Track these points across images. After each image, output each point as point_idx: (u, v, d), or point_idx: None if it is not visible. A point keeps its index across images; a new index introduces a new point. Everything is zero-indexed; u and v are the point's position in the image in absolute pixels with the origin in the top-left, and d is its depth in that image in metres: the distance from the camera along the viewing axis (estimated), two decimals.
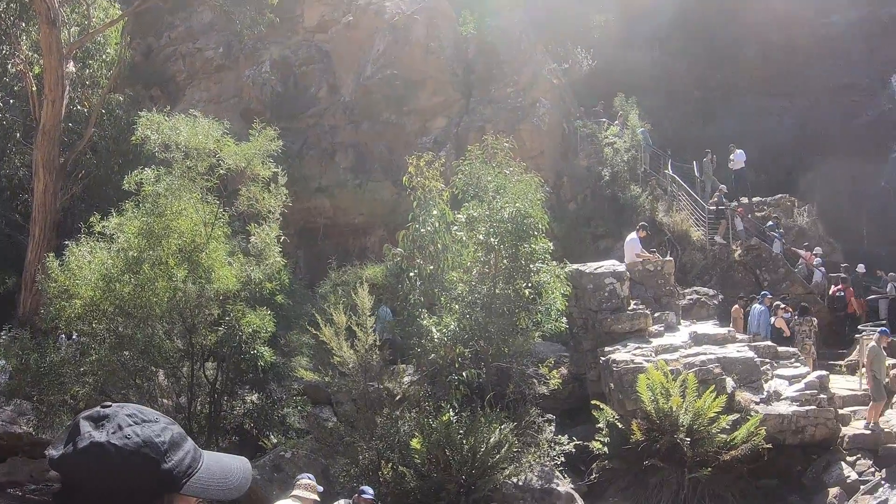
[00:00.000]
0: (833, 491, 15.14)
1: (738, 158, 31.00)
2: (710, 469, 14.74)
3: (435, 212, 15.58)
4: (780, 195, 31.11)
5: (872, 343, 17.55)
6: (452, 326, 15.37)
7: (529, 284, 16.25)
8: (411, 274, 15.55)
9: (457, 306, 15.74)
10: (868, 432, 16.94)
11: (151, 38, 37.06)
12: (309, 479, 9.98)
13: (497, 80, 30.39)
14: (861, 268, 26.41)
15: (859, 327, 22.82)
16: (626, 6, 37.04)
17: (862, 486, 15.11)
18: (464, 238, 16.02)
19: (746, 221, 28.07)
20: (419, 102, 30.28)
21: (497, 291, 15.92)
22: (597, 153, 30.46)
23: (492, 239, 16.03)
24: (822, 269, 26.76)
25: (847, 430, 17.09)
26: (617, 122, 31.89)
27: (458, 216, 16.10)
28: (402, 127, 30.02)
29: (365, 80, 30.69)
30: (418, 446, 13.73)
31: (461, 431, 13.82)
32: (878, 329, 18.65)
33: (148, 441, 2.04)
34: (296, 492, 9.86)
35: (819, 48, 36.31)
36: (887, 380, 19.73)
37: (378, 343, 14.43)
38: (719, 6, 37.13)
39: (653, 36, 37.18)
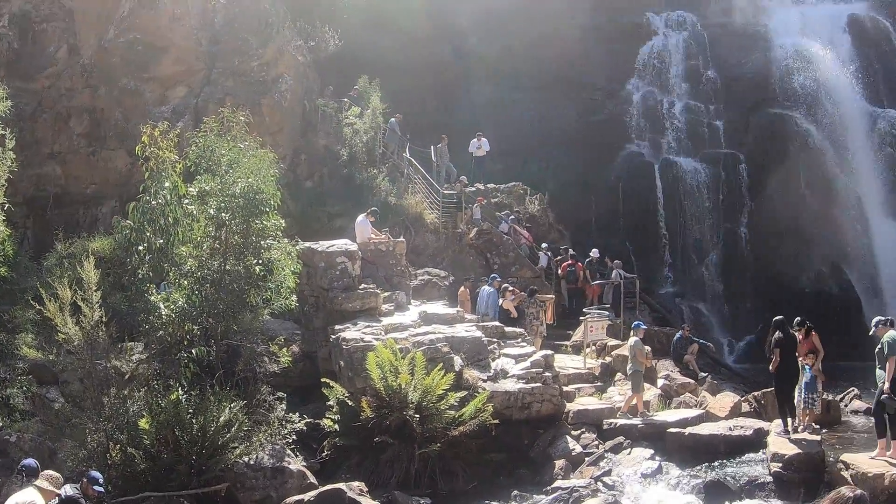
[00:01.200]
0: (559, 463, 16.47)
1: (483, 146, 32.79)
2: (439, 445, 15.63)
3: (167, 184, 15.47)
4: (513, 183, 33.17)
5: (635, 338, 18.94)
6: (181, 303, 15.37)
7: (260, 261, 16.49)
8: (140, 248, 15.41)
9: (186, 282, 15.80)
10: (592, 408, 18.63)
11: None
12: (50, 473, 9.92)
13: (242, 53, 30.02)
14: (595, 252, 28.58)
15: (584, 310, 24.83)
16: None
17: (587, 458, 16.57)
18: (195, 212, 16.08)
19: (483, 209, 29.76)
20: (161, 70, 29.43)
21: (227, 268, 16.04)
22: (336, 133, 30.98)
23: (223, 214, 16.09)
24: (549, 253, 28.90)
25: (572, 406, 18.65)
26: (351, 92, 32.70)
27: (191, 189, 16.12)
28: (141, 94, 29.06)
29: (107, 43, 29.39)
30: (147, 427, 13.64)
31: (191, 411, 13.87)
32: (634, 323, 20.23)
33: None
34: (38, 482, 9.73)
35: (561, 47, 38.94)
36: (609, 359, 21.79)
37: (104, 319, 14.24)
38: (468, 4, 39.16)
39: (400, 20, 38.36)
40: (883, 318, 14.89)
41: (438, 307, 21.43)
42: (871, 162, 36.89)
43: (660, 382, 20.66)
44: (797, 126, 36.68)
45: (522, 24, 39.35)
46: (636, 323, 20.14)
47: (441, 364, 16.79)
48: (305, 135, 31.53)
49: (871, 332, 14.85)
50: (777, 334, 16.55)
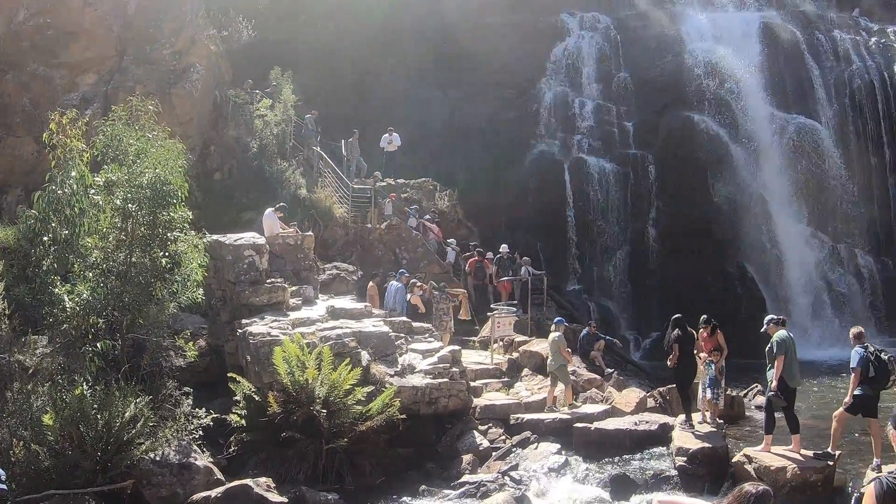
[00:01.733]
0: (467, 458, 16.81)
1: (394, 141, 33.10)
2: (347, 440, 15.82)
3: (74, 173, 15.40)
4: (423, 178, 33.57)
5: (557, 333, 19.29)
6: (86, 295, 15.34)
7: (167, 253, 16.52)
8: (45, 238, 15.30)
9: (91, 274, 15.75)
10: (499, 404, 19.07)
11: None
12: None
13: (154, 41, 29.69)
14: (504, 248, 29.07)
15: (492, 306, 25.31)
16: None
17: (494, 453, 16.96)
18: (101, 203, 16.02)
19: (393, 204, 30.08)
20: (71, 56, 28.80)
21: (134, 260, 16.02)
22: (247, 124, 30.98)
23: (130, 205, 16.05)
24: (456, 248, 29.35)
25: (479, 401, 19.03)
26: (268, 89, 32.72)
27: (97, 179, 16.06)
28: (51, 80, 28.45)
29: (16, 26, 28.76)
30: (51, 423, 13.50)
31: (96, 406, 13.80)
32: (556, 319, 20.58)
33: None
34: None
35: (475, 44, 39.39)
36: (517, 355, 22.28)
37: (7, 312, 14.12)
38: None
39: (317, 13, 38.43)
40: (774, 317, 15.66)
41: (346, 302, 21.67)
42: (777, 166, 38.25)
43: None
44: (706, 129, 37.73)
45: (437, 19, 39.91)
46: (558, 319, 20.57)
47: (348, 359, 16.94)
48: (216, 126, 31.37)
49: (762, 330, 15.63)
50: (676, 332, 17.25)
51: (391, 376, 17.94)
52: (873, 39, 43.39)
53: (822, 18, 44.45)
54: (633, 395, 19.78)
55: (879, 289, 37.02)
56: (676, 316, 17.64)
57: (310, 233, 24.12)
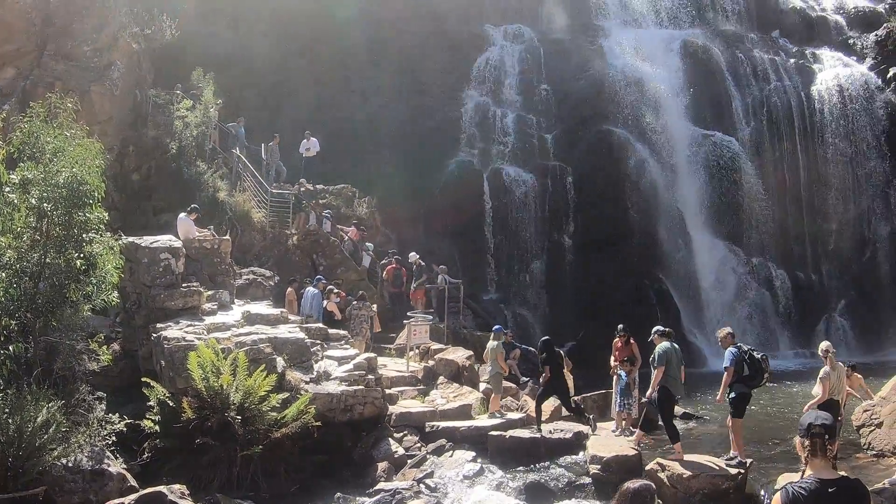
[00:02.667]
0: (382, 465, 16.94)
1: (312, 146, 33.11)
2: (261, 446, 15.83)
3: None
4: (342, 185, 33.65)
5: (495, 342, 19.87)
6: None
7: (82, 255, 16.38)
8: None
9: (4, 274, 15.53)
10: (414, 411, 19.27)
11: None
12: None
13: (76, 36, 29.22)
14: (413, 256, 29.23)
15: (409, 314, 25.55)
16: None
17: (409, 461, 17.10)
18: (16, 201, 15.82)
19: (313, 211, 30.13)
20: None
21: (48, 261, 15.83)
22: (167, 125, 30.67)
23: (45, 204, 15.87)
24: (371, 254, 29.50)
25: (395, 409, 19.21)
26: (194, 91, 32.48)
27: (13, 177, 15.86)
28: None
29: None
30: None
31: (7, 410, 13.59)
32: (495, 327, 21.11)
33: None
34: None
35: (399, 52, 39.86)
36: (433, 363, 22.54)
37: None
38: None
39: (240, 16, 38.29)
40: (661, 329, 16.55)
41: (262, 307, 21.60)
42: (694, 180, 39.35)
43: (482, 386, 21.49)
44: (625, 143, 38.65)
45: (362, 26, 40.10)
46: (496, 327, 21.04)
47: (263, 365, 16.94)
48: (135, 126, 31.02)
49: (649, 340, 16.37)
50: (544, 354, 18.57)
51: (306, 383, 17.98)
52: (791, 60, 45.21)
53: (742, 38, 46.02)
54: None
55: (792, 301, 38.35)
56: (544, 339, 19.20)
57: (227, 237, 23.96)
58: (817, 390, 15.90)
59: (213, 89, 31.08)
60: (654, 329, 16.59)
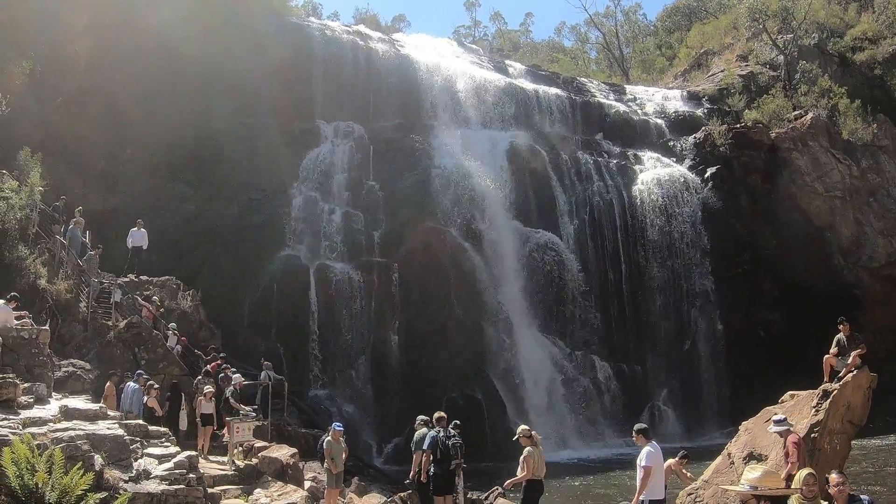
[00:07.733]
0: None
1: (137, 236, 32.86)
2: None
3: None
4: (166, 277, 33.35)
5: (328, 437, 20.08)
6: None
7: None
8: None
9: None
10: None
11: None
12: None
13: None
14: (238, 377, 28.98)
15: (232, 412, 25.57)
16: (45, 58, 37.53)
17: None
18: None
19: (131, 301, 29.81)
20: None
21: None
22: None
23: None
24: (177, 333, 29.28)
25: None
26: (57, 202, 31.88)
27: None
28: None
29: None
30: None
31: None
32: (334, 424, 21.05)
33: None
34: None
35: (227, 146, 40.31)
36: (256, 461, 22.67)
37: None
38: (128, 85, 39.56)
39: (72, 99, 38.03)
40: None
41: (80, 402, 21.13)
42: (518, 277, 40.98)
43: (307, 484, 21.67)
44: (451, 240, 39.88)
45: (189, 117, 40.29)
46: (336, 424, 21.06)
47: (81, 462, 16.45)
48: None
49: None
50: None
51: (125, 482, 17.69)
52: (614, 161, 48.09)
53: (567, 140, 48.71)
54: (374, 500, 20.48)
55: (617, 392, 40.19)
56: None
57: (46, 327, 23.52)
58: (520, 471, 17.18)
59: (40, 171, 30.55)
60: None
